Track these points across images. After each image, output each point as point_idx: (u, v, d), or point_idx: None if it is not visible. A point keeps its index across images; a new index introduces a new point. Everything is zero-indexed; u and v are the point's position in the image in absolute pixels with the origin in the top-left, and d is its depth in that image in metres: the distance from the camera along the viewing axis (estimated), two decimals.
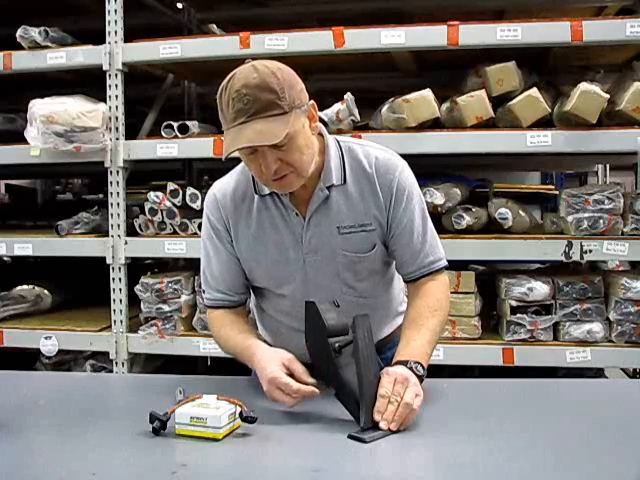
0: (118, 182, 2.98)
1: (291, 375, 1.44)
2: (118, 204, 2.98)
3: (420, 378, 1.44)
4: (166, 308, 3.00)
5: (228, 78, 1.44)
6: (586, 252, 2.66)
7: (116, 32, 2.93)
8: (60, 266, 3.52)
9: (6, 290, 3.39)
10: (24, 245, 3.08)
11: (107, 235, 3.01)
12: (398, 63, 3.18)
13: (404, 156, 1.65)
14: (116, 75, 2.94)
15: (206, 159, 3.09)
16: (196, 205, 3.01)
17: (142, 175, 3.68)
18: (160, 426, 1.35)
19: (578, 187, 2.92)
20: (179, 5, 3.83)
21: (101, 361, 3.16)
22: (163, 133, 2.97)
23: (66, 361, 3.24)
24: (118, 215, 2.99)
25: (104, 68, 2.93)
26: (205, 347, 2.92)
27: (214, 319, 1.71)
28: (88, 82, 3.12)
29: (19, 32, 2.98)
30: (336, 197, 1.58)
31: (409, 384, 1.39)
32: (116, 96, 2.95)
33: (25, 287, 3.45)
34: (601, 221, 2.68)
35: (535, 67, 2.96)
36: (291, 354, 1.50)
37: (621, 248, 2.65)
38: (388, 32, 2.71)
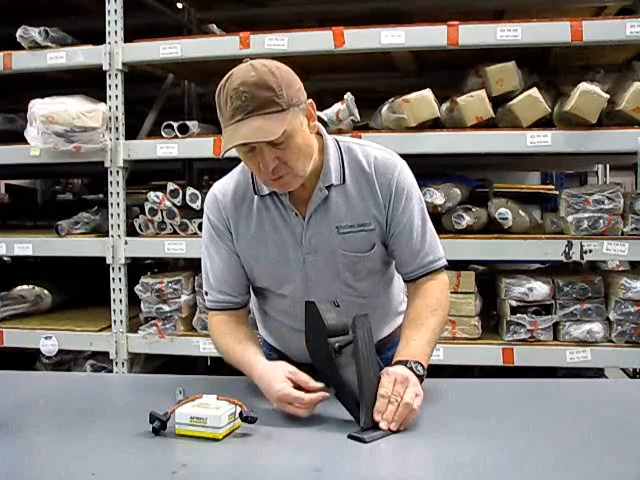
0: (118, 182, 2.98)
1: (298, 387, 1.43)
2: (118, 204, 2.98)
3: (420, 378, 1.44)
4: (166, 308, 3.00)
5: (226, 77, 1.45)
6: (586, 252, 2.66)
7: (116, 32, 2.93)
8: (60, 266, 3.52)
9: (6, 290, 3.39)
10: (24, 245, 3.08)
11: (107, 235, 3.01)
12: (398, 63, 3.18)
13: (404, 156, 1.65)
14: (116, 75, 2.94)
15: (206, 159, 3.09)
16: (196, 205, 3.01)
17: (142, 175, 3.68)
18: (160, 426, 1.35)
19: (578, 187, 2.92)
20: (179, 5, 3.83)
21: (101, 361, 3.16)
22: (163, 133, 2.97)
23: (66, 361, 3.24)
24: (118, 215, 2.99)
25: (104, 68, 2.93)
26: (205, 347, 2.92)
27: (214, 326, 1.70)
28: (88, 82, 3.12)
29: (19, 32, 2.98)
30: (335, 197, 1.58)
31: (409, 384, 1.39)
32: (116, 96, 2.95)
33: (25, 287, 3.45)
34: (601, 221, 2.68)
35: (535, 67, 2.96)
36: (292, 365, 1.49)
37: (621, 248, 2.65)
38: (388, 32, 2.71)
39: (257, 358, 1.56)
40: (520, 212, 2.88)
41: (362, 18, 3.22)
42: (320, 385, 1.43)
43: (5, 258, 4.13)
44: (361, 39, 2.75)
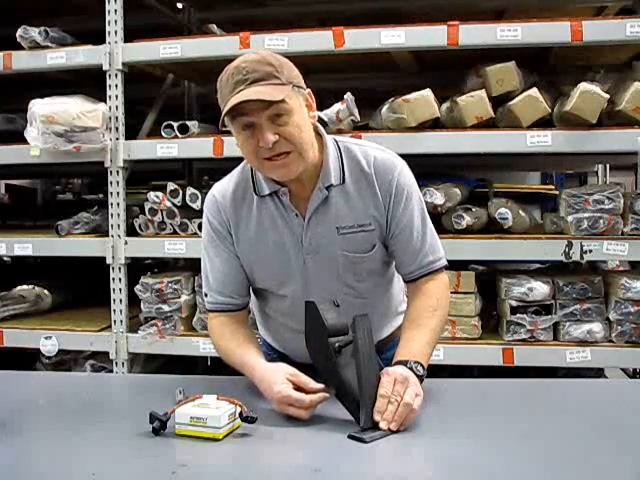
0: (118, 182, 2.98)
1: (298, 388, 1.43)
2: (118, 204, 2.98)
3: (420, 378, 1.44)
4: (166, 308, 3.00)
5: (228, 66, 1.48)
6: (586, 252, 2.66)
7: (116, 32, 2.93)
8: (60, 266, 3.52)
9: (6, 290, 3.39)
10: (24, 245, 3.08)
11: (107, 235, 3.01)
12: (398, 63, 3.18)
13: (404, 156, 1.65)
14: (116, 75, 2.94)
15: (206, 159, 3.09)
16: (196, 205, 3.01)
17: (142, 175, 3.68)
18: (160, 426, 1.35)
19: (578, 187, 2.92)
20: (179, 5, 3.83)
21: (101, 361, 3.15)
22: (163, 133, 2.97)
23: (66, 361, 3.23)
24: (118, 215, 2.99)
25: (104, 68, 2.93)
26: (205, 347, 2.92)
27: (214, 328, 1.70)
28: (88, 82, 3.12)
29: (19, 32, 2.98)
30: (335, 197, 1.58)
31: (409, 384, 1.39)
32: (116, 96, 2.95)
33: (25, 287, 3.45)
34: (601, 221, 2.68)
35: (535, 67, 2.96)
36: (292, 367, 1.49)
37: (621, 248, 2.65)
38: (388, 32, 2.72)
39: (257, 360, 1.56)
40: (520, 212, 2.88)
41: (362, 18, 3.22)
42: (320, 386, 1.43)
43: (5, 258, 4.13)
44: (361, 39, 2.75)
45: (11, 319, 3.30)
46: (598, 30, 2.62)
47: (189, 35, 3.61)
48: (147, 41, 2.94)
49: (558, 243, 2.69)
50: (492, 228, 2.93)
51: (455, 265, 2.62)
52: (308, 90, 1.54)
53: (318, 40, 2.77)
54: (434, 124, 2.82)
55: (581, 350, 2.71)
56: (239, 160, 1.67)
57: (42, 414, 1.55)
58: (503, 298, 2.82)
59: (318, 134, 1.59)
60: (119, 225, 2.99)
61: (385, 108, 2.85)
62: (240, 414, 1.36)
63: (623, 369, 3.46)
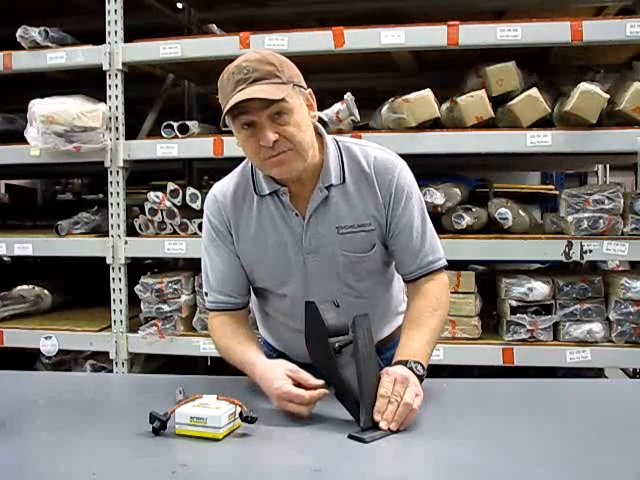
0: (118, 182, 2.98)
1: (298, 384, 1.43)
2: (118, 204, 2.98)
3: (420, 378, 1.44)
4: (166, 308, 3.00)
5: (228, 65, 1.48)
6: (586, 252, 2.66)
7: (116, 32, 2.93)
8: (60, 266, 3.52)
9: (6, 290, 3.39)
10: (24, 245, 3.08)
11: (107, 235, 3.01)
12: (398, 63, 3.18)
13: (404, 156, 1.65)
14: (116, 75, 2.94)
15: (206, 159, 3.09)
16: (196, 205, 3.01)
17: (142, 175, 3.68)
18: (160, 426, 1.35)
19: (578, 187, 2.92)
20: (179, 5, 3.83)
21: (101, 361, 3.15)
22: (163, 133, 2.97)
23: (66, 361, 3.23)
24: (118, 215, 2.99)
25: (104, 68, 2.93)
26: (205, 347, 2.92)
27: (215, 326, 1.70)
28: (88, 82, 3.12)
29: (19, 32, 2.98)
30: (335, 197, 1.58)
31: (409, 384, 1.39)
32: (116, 96, 2.95)
33: (25, 287, 3.45)
34: (601, 221, 2.68)
35: (535, 67, 2.96)
36: (292, 364, 1.49)
37: (621, 248, 2.65)
38: (388, 32, 2.71)
39: (258, 357, 1.56)
40: (520, 212, 2.88)
41: (362, 18, 3.21)
42: (320, 382, 1.43)
43: (5, 258, 4.13)
44: (361, 39, 2.75)
45: (11, 319, 3.30)
46: (598, 30, 2.62)
47: (189, 35, 3.61)
48: (147, 41, 2.94)
49: (558, 243, 2.69)
50: (492, 228, 2.93)
51: (455, 265, 2.62)
52: (309, 90, 1.54)
53: (318, 40, 2.77)
54: (434, 124, 2.82)
55: (581, 350, 2.71)
56: (239, 160, 1.67)
57: (42, 414, 1.55)
58: (503, 298, 2.82)
59: (318, 134, 1.60)
60: (119, 225, 2.99)
61: (385, 108, 2.85)
62: (240, 414, 1.36)
63: (623, 369, 3.46)
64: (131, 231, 3.05)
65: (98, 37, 2.95)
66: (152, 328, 3.00)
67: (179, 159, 3.39)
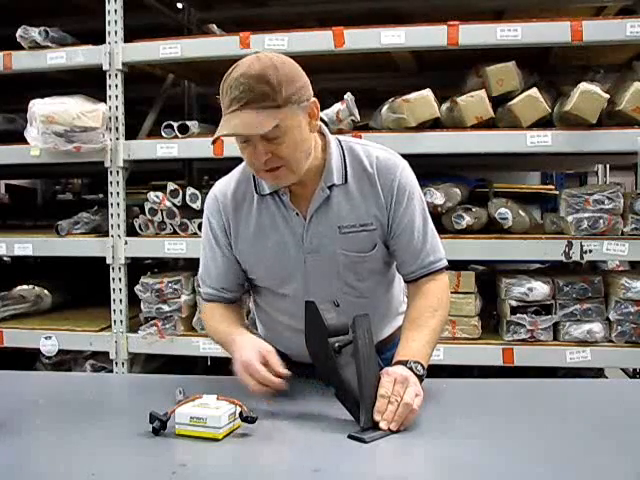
0: (118, 182, 2.98)
1: (267, 365, 1.45)
2: (118, 204, 2.98)
3: (420, 378, 1.44)
4: (166, 308, 3.00)
5: (233, 67, 1.47)
6: (586, 252, 2.66)
7: (116, 32, 2.93)
8: (60, 266, 3.52)
9: (6, 290, 3.39)
10: (24, 245, 3.08)
11: (107, 235, 3.01)
12: (398, 63, 3.18)
13: (404, 156, 1.65)
14: (116, 75, 2.94)
15: (206, 159, 3.09)
16: (196, 205, 3.01)
17: (142, 175, 3.68)
18: (160, 426, 1.35)
19: (578, 187, 2.92)
20: (179, 5, 3.83)
21: (101, 361, 3.16)
22: (163, 133, 2.97)
23: (66, 361, 3.23)
24: (118, 215, 2.99)
25: (104, 68, 2.93)
26: (205, 347, 2.92)
27: (206, 310, 1.76)
28: (88, 82, 3.12)
29: (19, 32, 2.98)
30: (337, 197, 1.58)
31: (409, 384, 1.39)
32: (116, 96, 2.95)
33: (25, 287, 3.45)
34: (601, 221, 2.68)
35: (535, 67, 2.96)
36: (271, 347, 1.51)
37: (621, 248, 2.65)
38: (388, 32, 2.71)
39: (240, 333, 1.59)
40: (520, 212, 2.88)
41: (362, 18, 3.22)
42: (286, 373, 1.45)
43: (5, 258, 4.13)
44: (361, 39, 2.75)
45: (11, 319, 3.30)
46: (598, 30, 2.62)
47: (189, 35, 3.61)
48: (147, 41, 2.94)
49: (558, 243, 2.69)
50: (492, 228, 2.93)
51: (455, 265, 2.62)
52: (313, 100, 1.50)
53: (318, 40, 2.77)
54: (434, 124, 2.82)
55: (581, 350, 2.71)
56: (239, 160, 1.67)
57: (42, 414, 1.55)
58: (503, 298, 2.82)
59: (321, 134, 1.60)
60: (119, 225, 2.99)
61: (385, 108, 2.85)
62: (240, 414, 1.36)
63: (623, 369, 3.46)
64: (131, 231, 3.05)
65: (98, 37, 2.95)
66: (152, 328, 3.00)
67: (179, 159, 3.39)
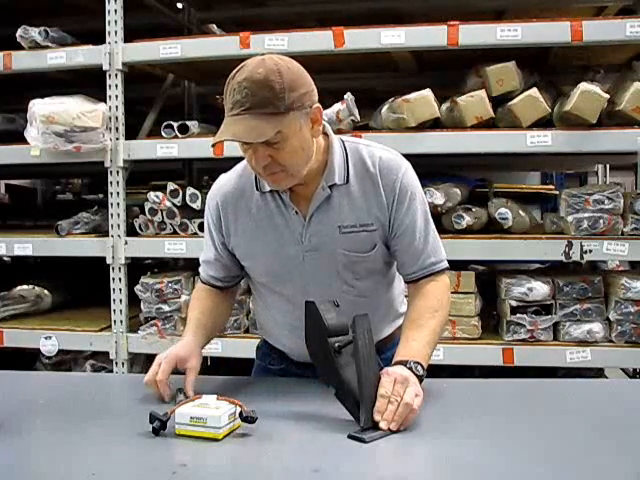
0: (118, 182, 2.98)
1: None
2: (118, 204, 2.98)
3: (420, 378, 1.44)
4: (166, 308, 3.00)
5: (238, 68, 1.46)
6: (586, 252, 2.66)
7: (116, 32, 2.93)
8: (60, 266, 3.52)
9: (6, 290, 3.39)
10: (24, 245, 3.08)
11: (107, 235, 3.01)
12: (398, 63, 3.18)
13: (404, 156, 1.65)
14: (116, 75, 2.94)
15: (206, 159, 3.10)
16: (196, 205, 3.01)
17: (142, 175, 3.68)
18: (160, 426, 1.35)
19: (578, 187, 2.92)
20: (179, 5, 3.83)
21: (101, 361, 3.16)
22: (163, 133, 2.97)
23: (66, 361, 3.24)
24: (118, 215, 2.99)
25: (104, 68, 2.93)
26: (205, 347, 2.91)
27: (197, 289, 1.81)
28: (88, 82, 3.12)
29: (19, 32, 2.98)
30: (338, 196, 1.58)
31: (409, 384, 1.39)
32: (116, 96, 2.95)
33: (25, 287, 3.45)
34: (601, 221, 2.68)
35: (535, 67, 2.96)
36: (195, 362, 1.60)
37: (621, 248, 2.65)
38: (388, 32, 2.72)
39: (193, 333, 1.67)
40: (520, 212, 2.88)
41: (362, 18, 3.22)
42: (189, 393, 1.50)
43: (5, 258, 4.13)
44: (361, 39, 2.75)
45: (11, 319, 3.30)
46: (598, 30, 2.62)
47: (189, 35, 3.61)
48: (147, 41, 2.94)
49: (558, 243, 2.69)
50: (492, 228, 2.93)
51: (455, 265, 2.61)
52: (317, 105, 1.49)
53: (318, 40, 2.77)
54: (434, 124, 2.82)
55: (581, 350, 2.71)
56: (239, 160, 1.68)
57: (42, 414, 1.55)
58: (503, 298, 2.82)
59: (325, 134, 1.60)
60: (119, 225, 2.99)
61: (385, 108, 2.85)
62: (240, 414, 1.36)
63: (623, 369, 3.46)
64: (131, 231, 3.05)
65: (98, 37, 2.95)
66: (152, 328, 3.00)
67: (179, 159, 3.39)
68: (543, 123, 2.74)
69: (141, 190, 3.94)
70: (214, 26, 3.99)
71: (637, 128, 2.63)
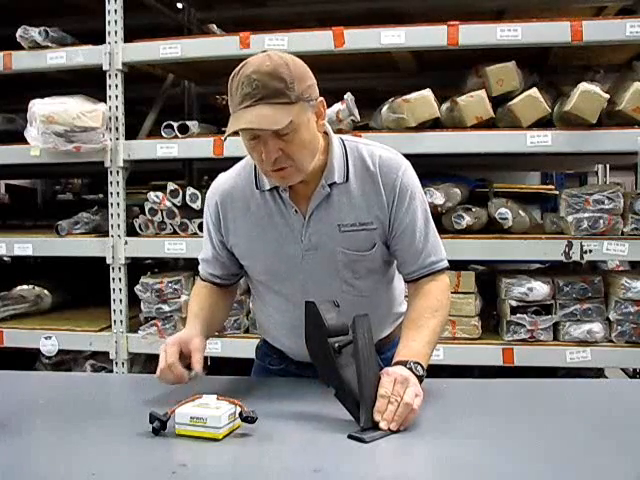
0: (118, 182, 2.98)
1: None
2: (118, 204, 2.99)
3: (419, 378, 1.44)
4: (166, 308, 3.00)
5: (241, 64, 1.46)
6: (586, 252, 2.67)
7: (116, 32, 2.93)
8: (60, 266, 3.52)
9: (6, 290, 3.39)
10: (24, 245, 3.08)
11: (107, 235, 3.01)
12: (398, 63, 3.18)
13: (404, 156, 1.65)
14: (116, 75, 2.94)
15: (206, 159, 3.09)
16: (196, 205, 3.01)
17: (142, 175, 3.68)
18: (160, 426, 1.35)
19: (578, 187, 2.92)
20: (179, 5, 3.83)
21: (101, 361, 3.16)
22: (163, 133, 2.97)
23: (66, 361, 3.24)
24: (118, 215, 2.99)
25: (104, 68, 2.93)
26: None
27: (196, 286, 1.82)
28: (88, 82, 3.12)
29: (19, 32, 2.98)
30: (338, 195, 1.58)
31: (409, 384, 1.39)
32: (116, 96, 2.95)
33: (25, 287, 3.45)
34: (601, 221, 2.69)
35: (535, 67, 2.96)
36: (201, 346, 1.58)
37: (621, 248, 2.65)
38: (388, 32, 2.72)
39: (193, 325, 1.65)
40: (520, 212, 2.88)
41: (362, 18, 3.22)
42: (197, 370, 1.52)
43: (5, 258, 4.13)
44: (361, 39, 2.75)
45: (11, 319, 3.30)
46: (598, 30, 2.62)
47: (189, 35, 3.61)
48: (147, 41, 2.94)
49: (558, 243, 2.69)
50: (492, 228, 2.93)
51: (455, 265, 2.62)
52: (320, 99, 1.51)
53: (318, 40, 2.77)
54: (434, 124, 2.82)
55: (581, 350, 2.71)
56: (239, 160, 1.68)
57: (42, 414, 1.55)
58: (503, 298, 2.82)
59: (325, 133, 1.60)
60: (119, 225, 2.99)
61: (385, 108, 2.85)
62: (240, 414, 1.36)
63: (623, 369, 3.46)
64: (131, 231, 3.05)
65: (98, 37, 2.95)
66: (152, 328, 3.00)
67: (179, 159, 3.39)
68: (543, 123, 2.74)
69: (141, 190, 3.94)
70: (214, 26, 3.98)
71: (637, 128, 2.63)
